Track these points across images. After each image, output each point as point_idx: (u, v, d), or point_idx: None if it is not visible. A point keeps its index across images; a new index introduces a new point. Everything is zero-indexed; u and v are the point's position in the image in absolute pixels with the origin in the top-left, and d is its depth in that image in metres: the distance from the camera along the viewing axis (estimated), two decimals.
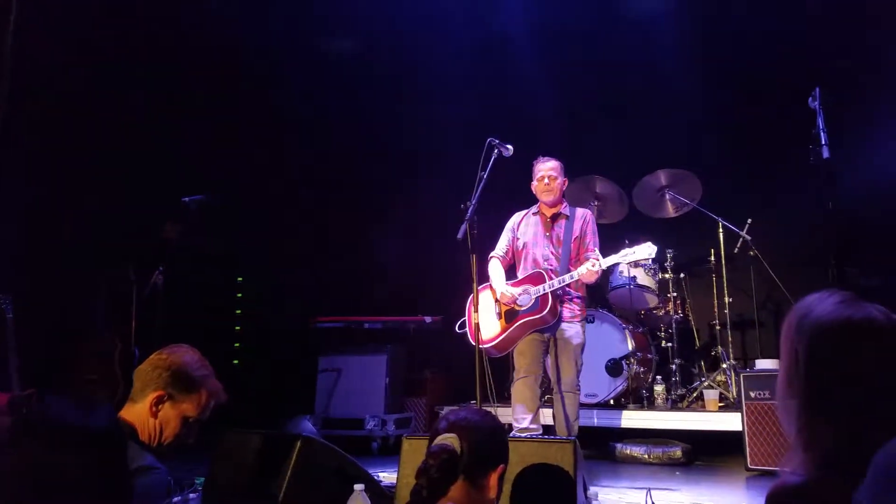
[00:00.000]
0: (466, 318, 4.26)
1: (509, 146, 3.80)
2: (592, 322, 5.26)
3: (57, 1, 5.03)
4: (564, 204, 4.34)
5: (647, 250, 3.88)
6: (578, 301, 4.20)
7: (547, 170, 4.25)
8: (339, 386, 5.66)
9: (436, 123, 6.36)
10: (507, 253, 4.37)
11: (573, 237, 4.22)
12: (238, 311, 6.99)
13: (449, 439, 1.71)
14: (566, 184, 4.34)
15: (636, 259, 3.96)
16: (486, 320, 4.13)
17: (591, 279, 3.99)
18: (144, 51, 5.62)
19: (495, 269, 4.31)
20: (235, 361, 6.82)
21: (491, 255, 4.34)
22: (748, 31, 5.58)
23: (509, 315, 4.11)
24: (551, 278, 4.05)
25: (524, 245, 4.31)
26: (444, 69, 6.21)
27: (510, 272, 4.36)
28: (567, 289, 4.12)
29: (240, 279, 7.03)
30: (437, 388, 5.76)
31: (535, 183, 4.27)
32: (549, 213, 4.30)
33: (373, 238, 6.88)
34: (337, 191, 6.98)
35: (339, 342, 5.93)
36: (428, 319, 5.80)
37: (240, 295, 7.02)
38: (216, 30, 5.83)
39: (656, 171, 5.40)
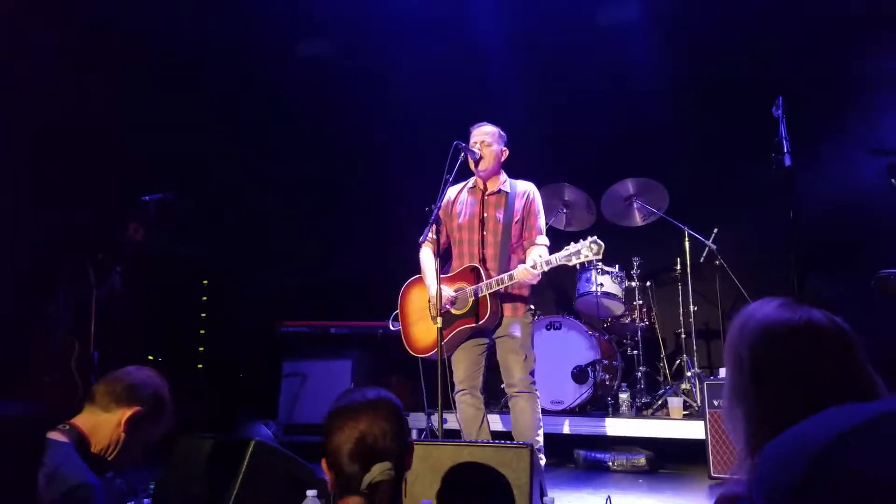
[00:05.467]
0: (399, 312, 3.93)
1: (475, 150, 3.71)
2: (559, 329, 5.27)
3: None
4: (504, 179, 3.80)
5: (593, 248, 3.34)
6: (521, 298, 3.69)
7: (479, 135, 3.73)
8: (303, 391, 5.58)
9: (406, 129, 6.36)
10: (439, 236, 3.80)
11: (513, 219, 3.67)
12: (203, 315, 6.87)
13: (386, 472, 1.58)
14: (506, 154, 3.79)
15: (581, 260, 3.38)
16: (420, 323, 3.80)
17: (532, 281, 3.47)
18: (109, 49, 5.52)
19: (427, 259, 3.78)
20: (199, 366, 6.70)
21: (421, 239, 3.71)
22: (715, 41, 5.65)
23: (445, 319, 3.59)
24: (487, 275, 3.58)
25: (458, 227, 3.78)
26: (414, 77, 6.22)
27: (445, 256, 3.88)
28: (509, 287, 3.60)
29: (205, 282, 6.92)
30: (404, 394, 5.68)
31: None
32: (484, 188, 3.78)
33: (340, 241, 6.83)
34: (305, 194, 6.92)
35: (304, 347, 5.85)
36: (395, 325, 5.73)
37: (204, 298, 6.90)
38: (184, 30, 5.74)
39: (624, 179, 5.42)
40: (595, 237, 3.35)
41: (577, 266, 3.45)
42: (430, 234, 3.73)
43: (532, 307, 3.89)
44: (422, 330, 3.81)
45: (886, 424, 0.53)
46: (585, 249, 3.34)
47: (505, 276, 3.50)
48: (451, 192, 3.89)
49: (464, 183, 3.91)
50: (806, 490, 0.52)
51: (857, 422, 0.54)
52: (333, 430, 1.61)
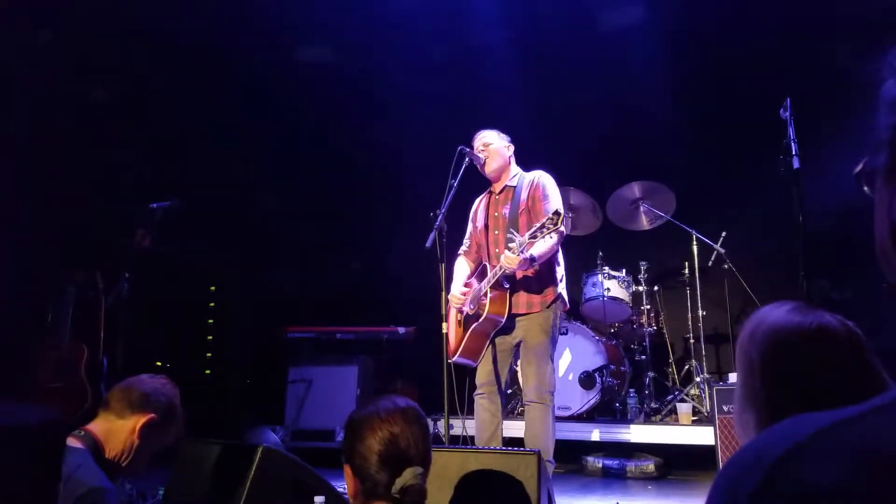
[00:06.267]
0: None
1: (480, 154, 3.73)
2: (566, 334, 5.24)
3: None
4: (514, 174, 3.80)
5: (554, 218, 3.11)
6: (537, 286, 3.55)
7: (480, 139, 3.78)
8: (309, 397, 5.58)
9: (408, 133, 6.35)
10: (471, 246, 3.93)
11: (519, 210, 3.62)
12: (210, 321, 6.88)
13: (417, 476, 1.58)
14: (512, 150, 3.83)
15: (546, 233, 3.15)
16: (453, 329, 3.84)
17: (515, 266, 3.30)
18: (113, 52, 5.54)
19: (458, 268, 3.87)
20: (206, 371, 6.71)
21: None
22: (721, 43, 5.63)
23: (466, 322, 3.66)
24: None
25: (478, 233, 3.84)
26: (416, 79, 6.21)
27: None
28: (523, 275, 3.50)
29: (212, 288, 6.93)
30: (410, 398, 5.68)
31: None
32: (495, 188, 3.82)
33: (346, 247, 6.83)
34: (310, 200, 6.93)
35: (310, 352, 5.86)
36: (401, 330, 5.74)
37: (212, 304, 6.91)
38: (184, 32, 5.76)
39: (630, 182, 5.39)
40: (556, 208, 3.28)
41: (548, 233, 3.27)
42: (465, 246, 3.86)
43: (553, 304, 3.59)
44: (453, 335, 3.82)
45: (842, 433, 0.53)
46: (548, 222, 3.14)
47: (497, 267, 3.46)
48: (475, 203, 3.97)
49: (485, 191, 3.96)
50: (760, 501, 0.53)
51: (812, 430, 0.54)
52: (364, 434, 1.60)
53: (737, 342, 1.24)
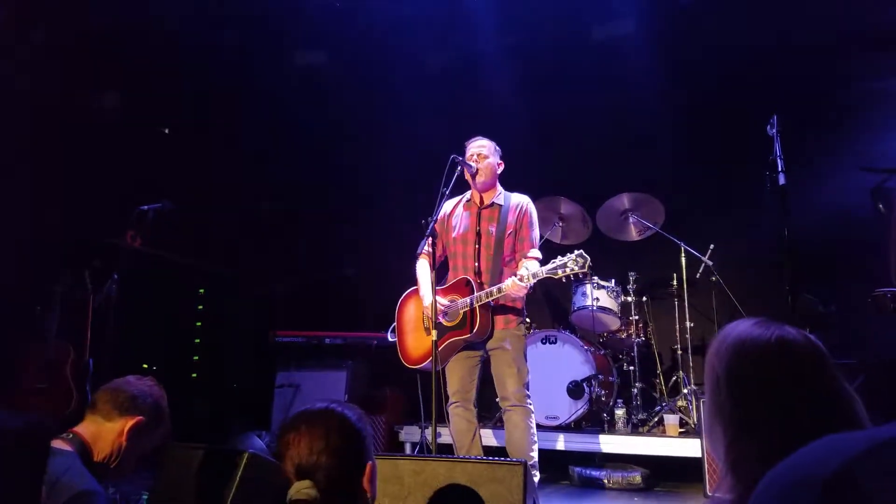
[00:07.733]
0: (395, 323, 3.96)
1: (472, 164, 3.76)
2: (555, 343, 5.25)
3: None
4: (499, 192, 3.85)
5: (578, 261, 3.35)
6: (512, 305, 3.70)
7: (476, 147, 3.80)
8: (296, 402, 5.56)
9: (402, 140, 6.37)
10: (435, 248, 3.83)
11: (506, 232, 3.71)
12: (198, 324, 6.86)
13: (304, 492, 1.51)
14: (501, 167, 3.87)
15: (567, 272, 3.38)
16: (414, 333, 3.84)
17: (520, 293, 3.48)
18: (107, 53, 5.54)
19: (423, 271, 3.79)
20: (193, 375, 6.68)
21: (417, 251, 3.75)
22: (712, 58, 5.68)
23: (437, 330, 3.60)
24: (479, 287, 3.61)
25: (454, 241, 3.84)
26: (411, 88, 6.22)
27: (442, 269, 3.94)
28: (500, 300, 3.63)
29: (201, 291, 6.91)
30: (397, 405, 5.68)
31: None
32: (480, 201, 3.84)
33: (336, 252, 6.83)
34: (301, 204, 6.93)
35: (299, 357, 5.84)
36: (391, 336, 5.73)
37: (200, 307, 6.89)
38: (185, 36, 5.77)
39: (620, 193, 5.43)
40: (581, 251, 3.39)
41: (572, 278, 3.41)
42: (426, 247, 3.72)
43: (527, 320, 3.93)
44: (414, 340, 3.85)
45: (891, 450, 0.54)
46: (571, 262, 3.37)
47: (494, 288, 3.53)
48: (448, 205, 3.93)
49: (460, 197, 3.97)
50: None
51: (860, 448, 0.55)
52: (279, 440, 1.61)
53: (705, 360, 1.27)
